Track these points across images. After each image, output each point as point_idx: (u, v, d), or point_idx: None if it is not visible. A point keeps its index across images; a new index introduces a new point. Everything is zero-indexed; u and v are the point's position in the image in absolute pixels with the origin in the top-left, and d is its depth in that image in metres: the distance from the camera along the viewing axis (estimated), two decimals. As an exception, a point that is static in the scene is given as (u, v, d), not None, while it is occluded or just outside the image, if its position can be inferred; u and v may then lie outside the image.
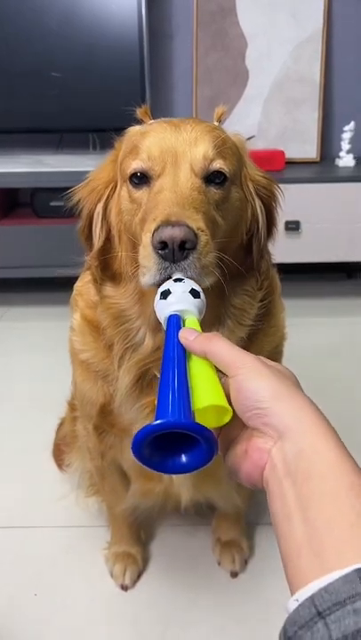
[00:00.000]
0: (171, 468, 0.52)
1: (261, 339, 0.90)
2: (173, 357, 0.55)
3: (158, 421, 0.47)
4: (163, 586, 1.21)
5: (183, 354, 0.56)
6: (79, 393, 1.00)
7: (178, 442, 0.50)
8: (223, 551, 1.25)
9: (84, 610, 1.16)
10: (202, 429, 0.48)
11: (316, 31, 2.52)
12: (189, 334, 0.57)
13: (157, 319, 0.64)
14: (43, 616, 1.14)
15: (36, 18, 2.36)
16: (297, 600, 0.42)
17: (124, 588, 1.20)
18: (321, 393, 0.53)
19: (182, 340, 0.57)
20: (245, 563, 1.25)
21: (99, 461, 1.10)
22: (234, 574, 1.23)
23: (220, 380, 0.54)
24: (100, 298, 0.86)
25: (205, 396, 0.51)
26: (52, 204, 2.32)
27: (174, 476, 0.97)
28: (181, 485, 1.01)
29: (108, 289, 0.85)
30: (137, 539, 1.27)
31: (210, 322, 0.81)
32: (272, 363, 0.55)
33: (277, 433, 0.49)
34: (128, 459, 1.04)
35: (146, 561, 1.26)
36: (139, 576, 1.23)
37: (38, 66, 2.41)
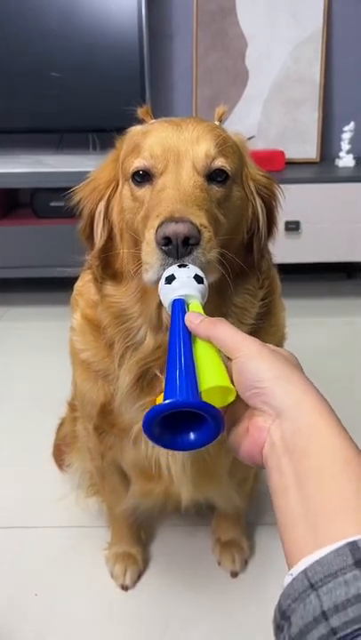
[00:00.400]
0: (180, 445, 0.54)
1: (262, 338, 0.90)
2: (180, 340, 0.57)
3: (168, 400, 0.49)
4: (163, 586, 1.21)
5: (189, 336, 0.58)
6: (79, 393, 1.00)
7: (186, 420, 0.52)
8: (223, 551, 1.25)
9: (85, 610, 1.15)
10: (209, 407, 0.50)
11: (316, 31, 2.52)
12: (195, 318, 0.58)
13: (158, 319, 0.65)
14: (43, 616, 1.14)
15: (35, 18, 2.36)
16: (291, 575, 0.43)
17: (125, 588, 1.20)
18: (321, 393, 0.53)
19: (188, 324, 0.58)
20: (246, 563, 1.25)
21: (99, 462, 1.10)
22: (234, 574, 1.23)
23: (224, 362, 0.55)
24: (101, 297, 0.86)
25: (210, 378, 0.53)
26: (52, 204, 2.32)
27: (174, 477, 0.97)
28: (181, 485, 1.01)
29: (109, 288, 0.85)
30: (137, 539, 1.27)
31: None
32: (274, 347, 0.56)
33: (276, 412, 0.51)
34: (128, 459, 1.04)
35: (146, 561, 1.26)
36: (139, 576, 1.23)
37: (38, 66, 2.41)
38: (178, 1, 2.55)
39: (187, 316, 0.59)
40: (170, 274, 0.64)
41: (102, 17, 2.36)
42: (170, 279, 0.64)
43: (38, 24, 2.37)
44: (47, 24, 2.37)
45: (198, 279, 0.63)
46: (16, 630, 1.12)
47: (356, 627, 0.37)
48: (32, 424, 1.67)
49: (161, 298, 0.65)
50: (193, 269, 0.64)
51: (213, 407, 0.50)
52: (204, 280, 0.64)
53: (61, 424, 1.47)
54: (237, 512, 1.26)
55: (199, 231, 0.66)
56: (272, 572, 1.21)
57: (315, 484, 0.46)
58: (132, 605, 1.17)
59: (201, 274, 0.64)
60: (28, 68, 2.40)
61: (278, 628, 0.43)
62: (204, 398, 0.52)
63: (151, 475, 1.01)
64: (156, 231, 0.66)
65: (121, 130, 0.86)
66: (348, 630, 0.37)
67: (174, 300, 0.62)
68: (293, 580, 0.42)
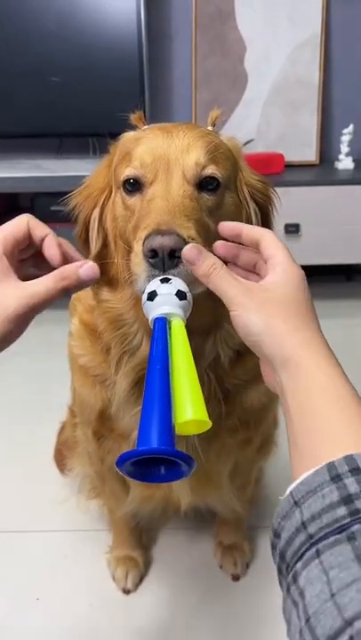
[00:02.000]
0: (152, 478, 0.55)
1: None
2: (159, 367, 0.57)
3: (141, 448, 0.51)
4: (164, 589, 1.21)
5: (167, 361, 0.58)
6: (78, 398, 1.00)
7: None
8: (225, 555, 1.25)
9: (86, 614, 1.16)
10: (180, 454, 0.51)
11: (314, 34, 2.52)
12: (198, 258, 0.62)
13: None
14: (44, 620, 1.14)
15: (34, 21, 2.37)
16: (280, 497, 0.49)
17: (126, 591, 1.20)
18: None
19: (191, 265, 0.63)
20: (247, 566, 1.25)
21: (98, 466, 1.10)
22: (236, 578, 1.23)
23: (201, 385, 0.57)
24: (97, 302, 0.86)
25: (187, 410, 0.54)
26: (53, 208, 2.32)
27: (173, 483, 0.97)
28: (180, 491, 1.01)
29: (105, 293, 0.85)
30: (138, 542, 1.27)
31: (207, 325, 0.81)
32: (265, 288, 0.60)
33: (272, 362, 0.57)
34: None
35: (148, 565, 1.26)
36: (141, 580, 1.23)
37: (37, 70, 2.41)
38: (177, 4, 2.56)
39: (189, 252, 0.62)
40: (152, 290, 0.64)
41: (101, 20, 2.37)
42: (152, 295, 0.63)
43: (37, 28, 2.38)
44: (46, 28, 2.38)
45: (181, 295, 0.63)
46: (17, 635, 1.12)
47: (327, 530, 0.43)
48: (33, 428, 1.67)
49: (144, 313, 0.65)
50: (175, 285, 0.64)
51: (183, 454, 0.51)
52: (187, 295, 0.64)
53: (62, 428, 1.47)
54: (239, 517, 1.25)
55: (186, 243, 0.65)
56: (274, 575, 1.20)
57: (308, 415, 0.52)
58: (134, 609, 1.17)
59: (184, 289, 0.64)
60: (26, 72, 2.41)
61: (273, 547, 0.49)
62: (179, 430, 0.54)
63: None
64: (143, 243, 0.66)
65: (120, 134, 0.85)
66: (321, 534, 0.43)
67: (155, 319, 0.62)
68: (282, 501, 0.48)
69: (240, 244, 0.69)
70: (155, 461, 0.54)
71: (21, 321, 0.60)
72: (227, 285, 0.60)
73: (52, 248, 0.66)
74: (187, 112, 2.63)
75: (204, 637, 1.11)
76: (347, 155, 2.49)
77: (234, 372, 0.87)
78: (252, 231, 0.66)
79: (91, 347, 0.91)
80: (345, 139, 2.47)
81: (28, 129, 2.51)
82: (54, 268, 0.67)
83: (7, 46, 2.39)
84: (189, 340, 0.62)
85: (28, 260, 0.67)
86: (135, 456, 0.51)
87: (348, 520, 0.42)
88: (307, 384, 0.53)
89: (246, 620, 1.13)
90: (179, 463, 0.52)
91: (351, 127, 2.46)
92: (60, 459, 1.46)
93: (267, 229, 0.66)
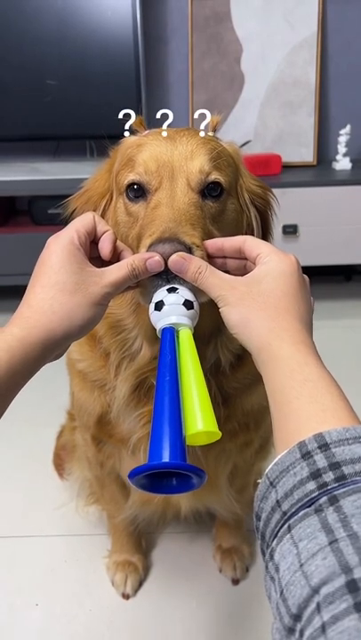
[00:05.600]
0: (164, 489, 0.55)
1: None
2: (168, 380, 0.57)
3: (153, 463, 0.51)
4: (164, 594, 1.21)
5: (176, 371, 0.58)
6: (77, 403, 1.00)
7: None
8: (224, 558, 1.25)
9: (86, 619, 1.15)
10: (193, 469, 0.52)
11: (310, 35, 2.52)
12: (190, 264, 0.63)
13: (154, 330, 0.65)
14: (44, 626, 1.14)
15: (31, 25, 2.36)
16: (258, 482, 0.50)
17: (126, 596, 1.20)
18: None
19: (179, 267, 0.63)
20: (247, 570, 1.25)
21: (98, 471, 1.10)
22: (235, 581, 1.23)
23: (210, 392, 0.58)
24: None
25: (197, 421, 0.54)
26: (50, 211, 2.32)
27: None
28: (180, 495, 1.00)
29: None
30: (138, 547, 1.27)
31: (209, 331, 0.81)
32: (257, 279, 0.62)
33: (250, 352, 0.60)
34: (127, 469, 1.03)
35: (147, 569, 1.26)
36: (140, 584, 1.22)
37: (34, 73, 2.41)
38: (173, 6, 2.56)
39: (174, 262, 0.63)
40: (159, 299, 0.64)
41: (97, 22, 2.36)
42: (159, 305, 0.63)
43: (33, 31, 2.37)
44: (42, 31, 2.37)
45: (188, 304, 0.63)
46: (17, 641, 1.11)
47: (298, 505, 0.45)
48: (32, 432, 1.66)
49: (152, 322, 0.65)
50: (182, 294, 0.63)
51: (196, 468, 0.52)
52: (194, 304, 0.64)
53: (61, 432, 1.46)
54: (238, 519, 1.25)
55: (191, 251, 0.65)
56: (274, 578, 1.20)
57: (280, 399, 0.54)
58: (133, 614, 1.16)
59: (191, 298, 0.64)
60: (23, 75, 2.40)
61: (256, 530, 0.51)
62: (190, 441, 0.54)
63: None
64: (147, 251, 0.65)
65: (118, 137, 0.85)
66: (293, 510, 0.45)
67: (164, 329, 0.62)
68: (260, 484, 0.50)
69: (224, 257, 0.69)
70: (166, 474, 0.54)
71: (106, 304, 0.64)
72: (212, 285, 0.63)
73: (106, 242, 0.68)
74: (184, 114, 2.63)
75: (205, 642, 1.10)
76: (344, 155, 2.48)
77: (235, 375, 0.87)
78: (232, 241, 0.68)
79: (89, 352, 0.91)
80: (342, 139, 2.47)
81: (24, 132, 2.50)
82: None
83: (3, 49, 2.39)
84: None
85: (95, 261, 0.68)
86: (147, 470, 0.51)
87: (316, 493, 0.44)
88: (277, 370, 0.56)
89: (246, 624, 1.13)
90: (190, 475, 0.53)
91: (348, 127, 2.46)
92: (59, 463, 1.46)
93: (246, 236, 0.68)
